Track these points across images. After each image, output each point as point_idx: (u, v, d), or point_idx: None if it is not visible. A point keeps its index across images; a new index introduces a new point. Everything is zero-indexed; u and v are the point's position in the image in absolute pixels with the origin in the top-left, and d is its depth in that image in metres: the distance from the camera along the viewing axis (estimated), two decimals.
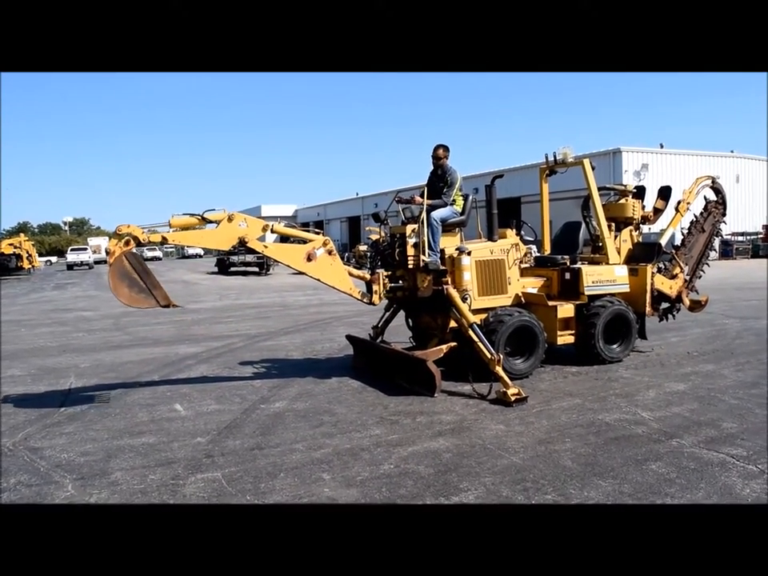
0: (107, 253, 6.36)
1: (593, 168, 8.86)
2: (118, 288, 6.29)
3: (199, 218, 6.72)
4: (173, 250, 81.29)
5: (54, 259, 59.16)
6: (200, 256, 72.93)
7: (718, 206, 10.06)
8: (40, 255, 58.79)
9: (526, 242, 8.64)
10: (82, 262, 49.97)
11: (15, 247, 41.42)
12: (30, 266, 42.64)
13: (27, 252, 42.07)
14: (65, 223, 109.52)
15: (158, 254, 73.17)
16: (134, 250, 6.46)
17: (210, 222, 6.72)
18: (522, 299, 8.18)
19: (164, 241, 6.67)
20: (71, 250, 53.87)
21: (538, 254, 9.48)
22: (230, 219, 6.69)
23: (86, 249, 54.17)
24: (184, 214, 6.64)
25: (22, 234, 47.98)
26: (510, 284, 8.08)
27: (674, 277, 9.51)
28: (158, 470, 5.05)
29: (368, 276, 7.72)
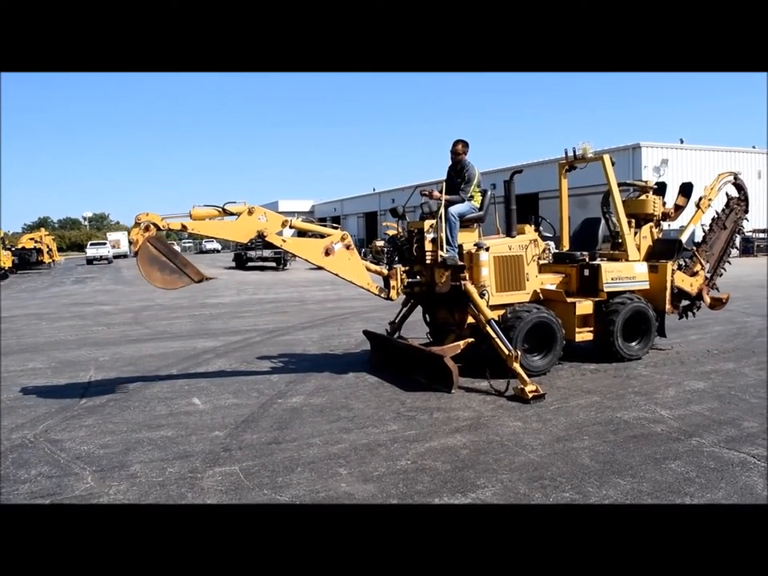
0: (131, 243, 6.38)
1: (613, 163, 8.78)
2: (149, 274, 6.34)
3: (220, 209, 6.77)
4: (191, 244, 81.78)
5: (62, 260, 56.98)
6: (217, 251, 73.22)
7: (740, 202, 9.92)
8: (60, 250, 59.27)
9: (544, 238, 8.57)
10: (101, 256, 50.34)
11: (36, 242, 41.85)
12: (50, 261, 43.08)
13: (48, 246, 42.48)
14: (84, 218, 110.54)
15: (176, 248, 73.58)
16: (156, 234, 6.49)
17: (231, 213, 6.76)
18: (541, 295, 8.13)
19: (183, 228, 6.68)
20: (91, 244, 54.20)
21: (557, 250, 9.40)
22: (250, 212, 6.73)
23: (105, 243, 54.56)
24: (205, 206, 6.68)
25: (42, 229, 48.39)
26: (528, 280, 8.03)
27: (694, 274, 9.40)
28: (177, 463, 5.09)
29: (385, 271, 7.72)
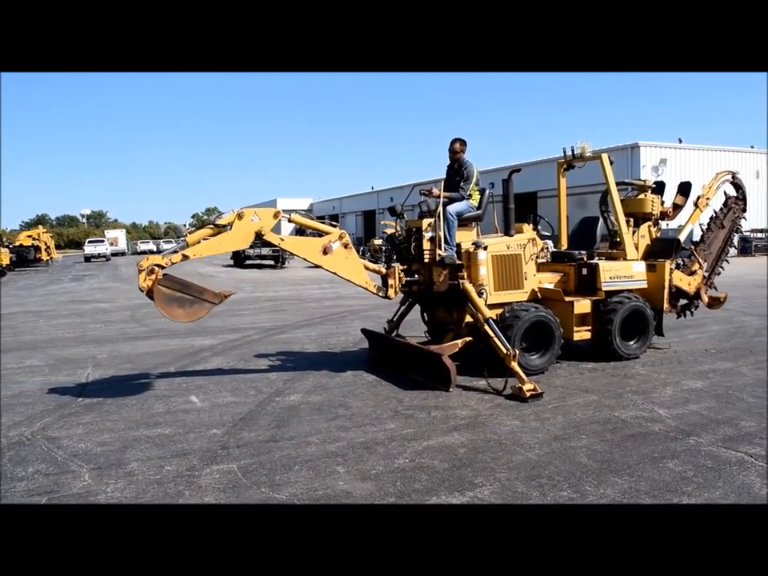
0: (142, 290, 6.42)
1: (611, 162, 8.78)
2: (171, 313, 6.43)
3: (211, 226, 6.77)
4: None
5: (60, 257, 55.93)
6: None
7: (738, 201, 9.92)
8: (58, 247, 59.12)
9: (542, 237, 8.57)
10: (99, 254, 50.32)
11: (34, 239, 41.84)
12: (48, 258, 43.05)
13: (45, 244, 42.46)
14: (82, 215, 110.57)
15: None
16: (163, 274, 6.44)
17: (223, 226, 6.73)
18: (539, 294, 8.13)
19: (185, 258, 6.57)
20: (89, 242, 54.20)
21: (555, 249, 9.41)
22: (240, 217, 6.67)
23: (103, 241, 54.54)
24: (197, 228, 6.71)
25: (40, 226, 48.37)
26: (526, 279, 8.03)
27: (692, 273, 9.41)
28: (174, 461, 5.08)
29: (384, 270, 7.72)
